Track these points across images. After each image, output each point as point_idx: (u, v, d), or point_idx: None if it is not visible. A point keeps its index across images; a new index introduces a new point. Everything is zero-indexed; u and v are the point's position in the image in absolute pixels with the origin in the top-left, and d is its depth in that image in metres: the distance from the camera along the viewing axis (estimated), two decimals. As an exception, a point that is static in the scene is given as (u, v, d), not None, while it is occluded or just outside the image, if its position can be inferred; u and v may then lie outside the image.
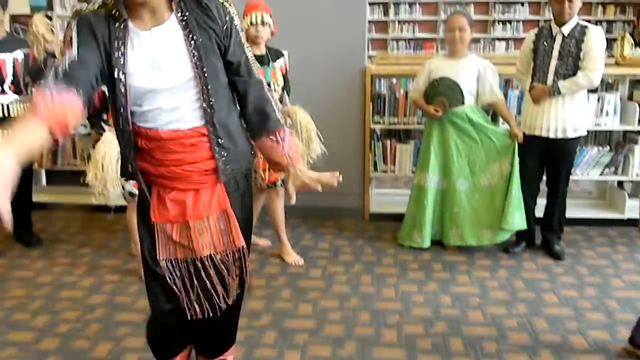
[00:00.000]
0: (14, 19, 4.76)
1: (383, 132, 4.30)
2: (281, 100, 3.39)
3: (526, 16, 9.79)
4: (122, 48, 1.56)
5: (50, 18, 3.69)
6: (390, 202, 4.42)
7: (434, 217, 3.65)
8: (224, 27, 1.63)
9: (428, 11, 10.10)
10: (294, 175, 1.70)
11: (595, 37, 3.28)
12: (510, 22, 9.94)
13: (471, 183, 3.55)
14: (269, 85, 3.27)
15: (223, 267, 1.79)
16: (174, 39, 1.59)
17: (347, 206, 4.28)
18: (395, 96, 4.11)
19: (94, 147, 3.07)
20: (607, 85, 4.19)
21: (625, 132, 4.11)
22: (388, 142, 4.17)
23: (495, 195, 3.53)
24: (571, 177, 3.63)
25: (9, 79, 3.61)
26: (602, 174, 4.06)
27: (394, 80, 4.26)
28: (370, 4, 10.04)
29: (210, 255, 1.77)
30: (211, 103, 1.63)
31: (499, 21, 9.96)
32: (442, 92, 3.46)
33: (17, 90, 3.66)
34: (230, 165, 1.74)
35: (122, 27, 1.56)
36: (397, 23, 10.19)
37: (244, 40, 1.72)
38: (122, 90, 1.58)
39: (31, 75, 3.69)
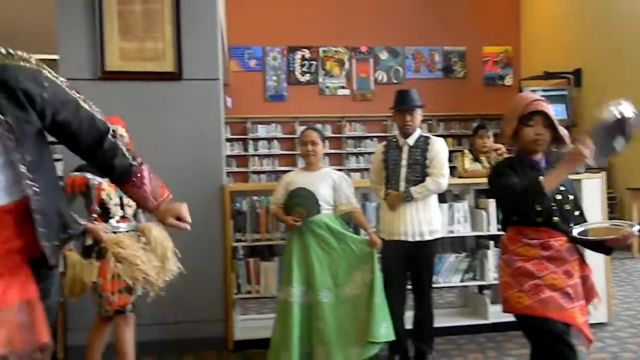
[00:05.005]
0: None
1: (246, 250, 4.10)
2: (136, 217, 3.18)
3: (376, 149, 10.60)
4: None
5: None
6: (256, 327, 4.10)
7: (302, 335, 3.35)
8: (40, 96, 1.45)
9: (286, 147, 10.55)
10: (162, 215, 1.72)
11: (438, 145, 3.51)
12: (362, 154, 10.69)
13: (335, 294, 3.37)
14: (121, 199, 3.06)
15: None
16: None
17: (208, 335, 3.88)
18: (256, 212, 3.99)
19: None
20: (455, 196, 4.45)
21: (477, 238, 4.32)
22: (251, 261, 3.97)
23: (360, 306, 3.36)
24: (434, 286, 3.65)
25: None
26: (462, 280, 4.18)
27: (255, 198, 4.18)
28: (230, 139, 10.32)
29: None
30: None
31: (352, 154, 10.68)
32: (299, 202, 3.41)
33: None
34: (50, 240, 1.45)
35: None
36: (256, 158, 10.49)
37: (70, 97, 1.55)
38: None
39: None
